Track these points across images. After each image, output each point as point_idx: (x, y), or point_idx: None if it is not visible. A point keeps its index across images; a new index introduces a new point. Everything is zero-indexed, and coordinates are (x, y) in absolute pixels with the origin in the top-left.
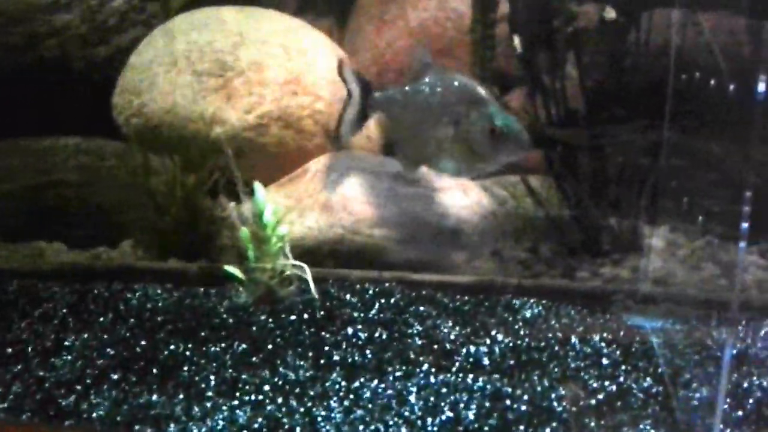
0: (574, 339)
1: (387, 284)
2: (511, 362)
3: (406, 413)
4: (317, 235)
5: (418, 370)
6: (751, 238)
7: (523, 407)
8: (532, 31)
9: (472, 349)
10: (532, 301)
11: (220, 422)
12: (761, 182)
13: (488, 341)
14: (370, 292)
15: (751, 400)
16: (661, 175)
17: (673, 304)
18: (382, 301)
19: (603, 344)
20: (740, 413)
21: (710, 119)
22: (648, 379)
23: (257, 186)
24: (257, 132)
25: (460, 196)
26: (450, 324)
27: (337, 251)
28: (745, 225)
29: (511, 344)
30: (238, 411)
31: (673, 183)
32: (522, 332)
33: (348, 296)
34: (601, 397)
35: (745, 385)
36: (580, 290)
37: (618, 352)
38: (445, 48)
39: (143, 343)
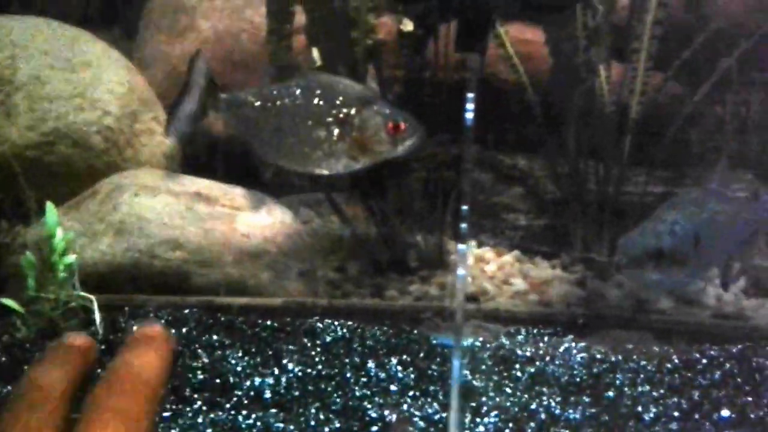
0: (371, 363)
1: (187, 311)
2: (295, 394)
3: None
4: (111, 260)
5: (188, 408)
6: (553, 250)
7: None
8: (331, 42)
9: (257, 381)
10: (337, 323)
11: None
12: (562, 195)
13: (276, 371)
14: (163, 320)
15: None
16: (466, 190)
17: (482, 321)
18: (173, 331)
19: (400, 368)
20: None
21: (514, 132)
22: (434, 405)
23: (49, 207)
24: (42, 150)
25: (264, 215)
26: (240, 354)
27: (135, 277)
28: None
29: (300, 373)
30: None
31: (479, 197)
32: (317, 359)
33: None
34: (375, 429)
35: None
36: (388, 310)
37: (413, 376)
38: (242, 60)
39: None
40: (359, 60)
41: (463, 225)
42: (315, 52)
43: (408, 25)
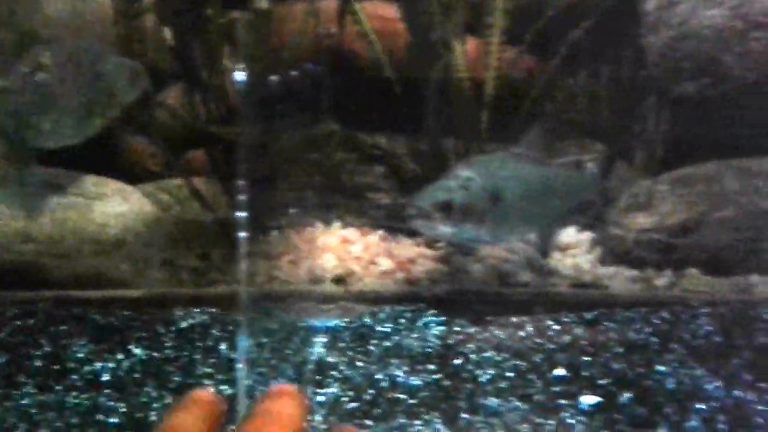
0: (223, 346)
1: (41, 304)
2: (135, 376)
3: None
4: None
5: (16, 392)
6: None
7: (116, 419)
8: (183, 22)
9: (97, 366)
10: (198, 310)
11: None
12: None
13: (120, 357)
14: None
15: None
16: (330, 170)
17: (350, 302)
18: (18, 323)
19: (255, 349)
20: None
21: (374, 111)
22: (278, 381)
23: None
24: None
25: (119, 203)
26: (85, 342)
27: None
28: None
29: (145, 357)
30: None
31: (342, 178)
32: (168, 344)
33: None
34: None
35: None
36: (253, 295)
37: (266, 356)
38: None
39: None
40: (214, 39)
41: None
42: (167, 32)
43: (261, 1)
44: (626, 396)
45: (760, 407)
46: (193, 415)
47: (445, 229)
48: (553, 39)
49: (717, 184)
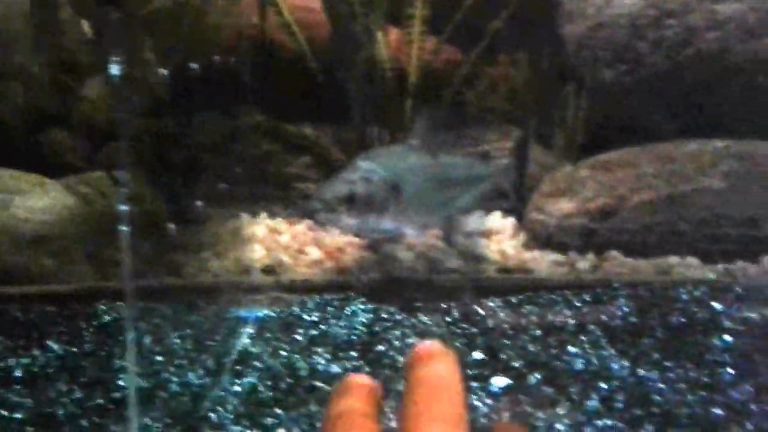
0: (146, 339)
1: None
2: (49, 371)
3: None
4: None
5: None
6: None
7: (20, 415)
8: (102, 14)
9: (11, 362)
10: (124, 304)
11: None
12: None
13: (37, 353)
14: None
15: None
16: (255, 161)
17: (280, 292)
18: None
19: (178, 341)
20: None
21: (298, 101)
22: (198, 372)
23: None
24: None
25: (40, 197)
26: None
27: None
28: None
29: (62, 353)
30: None
31: (268, 168)
32: (88, 339)
33: None
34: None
35: None
36: (185, 287)
37: (188, 348)
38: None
39: None
40: (135, 31)
41: None
42: (85, 25)
43: None
44: (535, 377)
45: (660, 385)
46: (358, 399)
47: (349, 221)
48: (473, 29)
49: (635, 169)
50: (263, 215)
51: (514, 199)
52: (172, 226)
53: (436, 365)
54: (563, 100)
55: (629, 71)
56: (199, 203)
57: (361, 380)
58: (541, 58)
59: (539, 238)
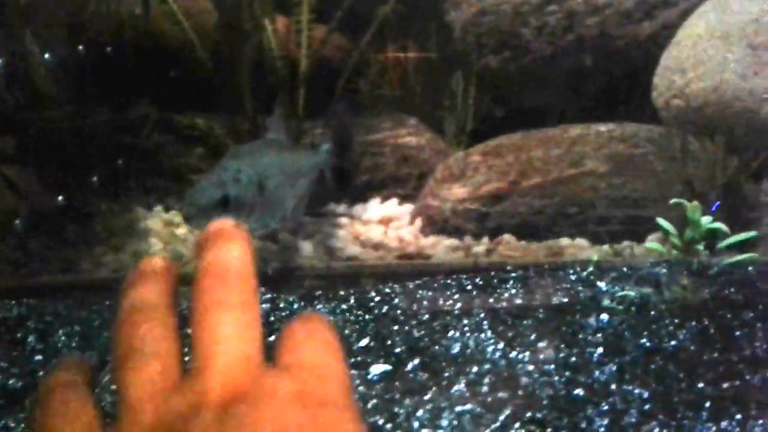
0: (31, 338)
1: None
2: None
3: None
4: None
5: None
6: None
7: None
8: None
9: None
10: (14, 303)
11: None
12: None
13: None
14: None
15: None
16: (147, 153)
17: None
18: None
19: (64, 338)
20: None
21: (188, 91)
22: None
23: None
24: None
25: None
26: None
27: None
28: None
29: None
30: None
31: (161, 160)
32: None
33: None
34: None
35: None
36: (81, 283)
37: (74, 345)
38: None
39: None
40: (13, 20)
41: None
42: None
43: None
44: (413, 363)
45: (529, 367)
46: (152, 288)
47: None
48: (361, 16)
49: (524, 154)
50: (158, 208)
51: (332, 186)
52: (63, 221)
53: (227, 246)
54: (452, 87)
55: (514, 57)
56: (90, 197)
57: (156, 264)
58: (429, 45)
59: (435, 224)
